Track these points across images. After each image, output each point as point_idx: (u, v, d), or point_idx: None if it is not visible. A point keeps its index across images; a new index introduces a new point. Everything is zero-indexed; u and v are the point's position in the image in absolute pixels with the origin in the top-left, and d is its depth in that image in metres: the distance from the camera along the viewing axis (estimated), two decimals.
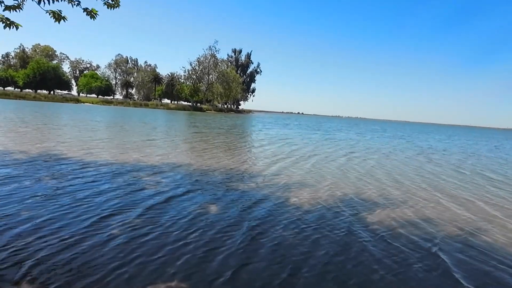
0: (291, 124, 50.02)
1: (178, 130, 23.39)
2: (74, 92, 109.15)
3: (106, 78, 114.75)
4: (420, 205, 6.95)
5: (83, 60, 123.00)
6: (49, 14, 6.47)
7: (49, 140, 12.48)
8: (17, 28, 6.14)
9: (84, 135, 15.36)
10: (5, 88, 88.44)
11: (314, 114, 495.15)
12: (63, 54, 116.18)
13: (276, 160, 11.73)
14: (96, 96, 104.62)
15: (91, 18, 7.28)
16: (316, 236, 4.66)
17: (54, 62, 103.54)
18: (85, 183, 6.61)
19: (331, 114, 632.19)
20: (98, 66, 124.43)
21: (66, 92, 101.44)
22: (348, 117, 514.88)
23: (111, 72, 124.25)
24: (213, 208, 5.58)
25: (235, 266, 3.58)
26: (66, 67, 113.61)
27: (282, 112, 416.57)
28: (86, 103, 77.73)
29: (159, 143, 14.53)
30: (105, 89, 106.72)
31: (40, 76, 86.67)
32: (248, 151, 14.52)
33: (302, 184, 8.05)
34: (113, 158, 9.73)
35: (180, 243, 4.08)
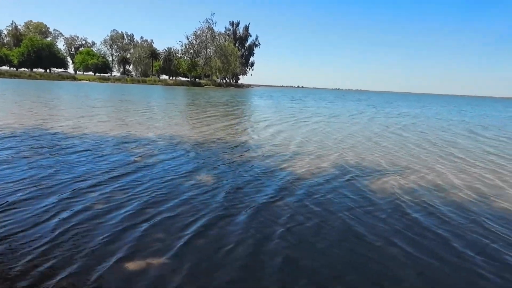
0: (275, 96, 52.22)
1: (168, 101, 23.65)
2: (70, 70, 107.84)
3: (103, 55, 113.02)
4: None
5: (78, 37, 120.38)
6: None
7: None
8: None
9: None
10: (0, 67, 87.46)
11: (314, 87, 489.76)
12: (57, 30, 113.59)
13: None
14: (93, 73, 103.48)
15: None
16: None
17: (48, 39, 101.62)
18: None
19: (331, 87, 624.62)
20: (93, 43, 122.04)
21: (62, 70, 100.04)
22: (348, 89, 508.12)
23: (107, 48, 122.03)
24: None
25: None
26: (60, 44, 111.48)
27: (282, 86, 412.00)
28: (83, 81, 77.15)
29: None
30: (102, 66, 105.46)
31: (34, 54, 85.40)
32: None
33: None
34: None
35: None
